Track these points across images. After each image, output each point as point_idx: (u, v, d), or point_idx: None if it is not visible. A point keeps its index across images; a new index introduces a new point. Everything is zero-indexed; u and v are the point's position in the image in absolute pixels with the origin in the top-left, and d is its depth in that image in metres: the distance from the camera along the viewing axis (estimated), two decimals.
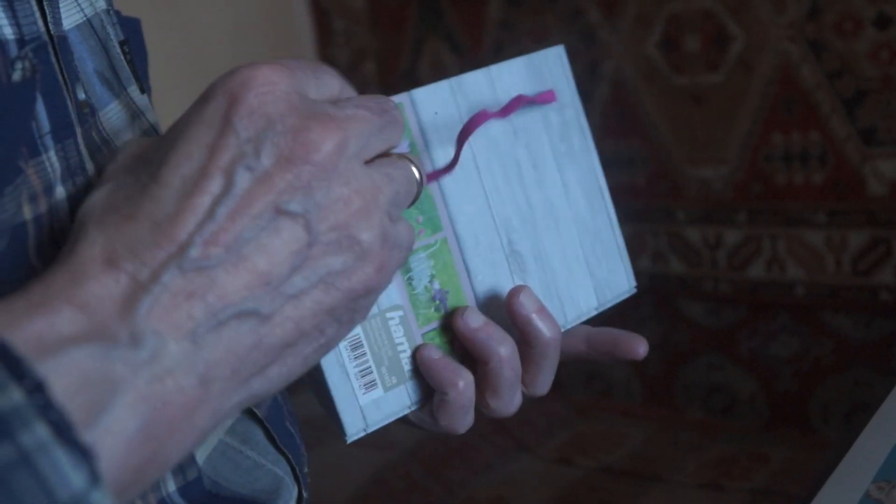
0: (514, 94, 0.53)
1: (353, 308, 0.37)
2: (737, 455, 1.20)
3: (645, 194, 1.43)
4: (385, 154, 0.40)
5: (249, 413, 0.49)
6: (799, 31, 1.24)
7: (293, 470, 0.52)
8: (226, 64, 1.43)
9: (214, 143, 0.35)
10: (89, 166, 0.41)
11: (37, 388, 0.29)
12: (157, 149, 0.37)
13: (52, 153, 0.39)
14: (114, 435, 0.31)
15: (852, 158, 1.23)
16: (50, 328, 0.31)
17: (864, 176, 1.23)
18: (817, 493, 0.54)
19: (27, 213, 0.37)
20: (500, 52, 1.54)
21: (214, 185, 0.34)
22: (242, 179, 0.34)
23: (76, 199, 0.40)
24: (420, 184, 0.42)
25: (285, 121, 0.35)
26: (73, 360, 0.30)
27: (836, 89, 1.23)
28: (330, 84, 0.39)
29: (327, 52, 1.81)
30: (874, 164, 1.22)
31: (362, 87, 1.81)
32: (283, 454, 0.51)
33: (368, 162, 0.38)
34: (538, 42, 1.49)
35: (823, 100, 1.24)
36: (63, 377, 0.30)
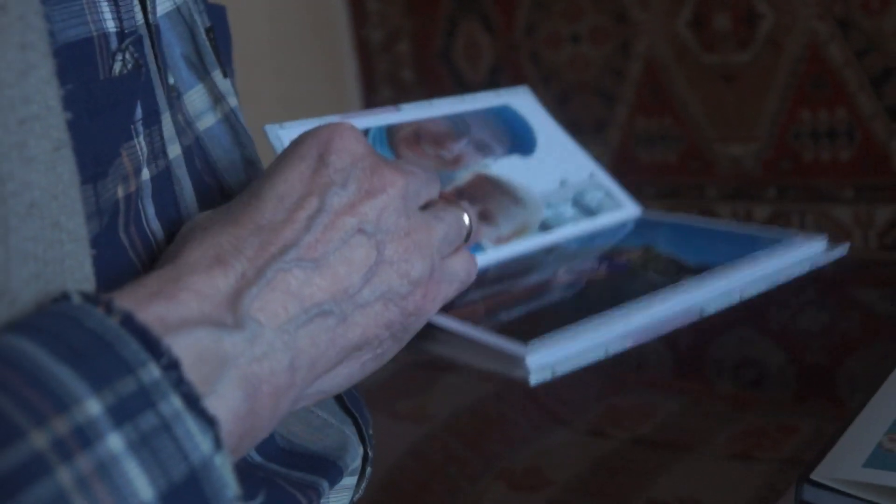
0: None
1: (405, 326, 0.44)
2: (766, 426, 1.21)
3: (676, 171, 1.44)
4: (436, 201, 0.48)
5: None
6: (827, 10, 1.24)
7: (359, 431, 0.56)
8: (263, 47, 1.46)
9: (312, 173, 0.41)
10: (170, 148, 0.46)
11: (171, 366, 0.33)
12: (252, 185, 0.43)
13: (141, 138, 0.44)
14: (224, 405, 0.35)
15: (879, 135, 1.24)
16: (169, 311, 0.35)
17: (891, 152, 1.24)
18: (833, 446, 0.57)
19: (120, 191, 0.42)
20: (532, 31, 1.55)
21: (311, 204, 0.40)
22: (332, 202, 0.41)
23: (157, 181, 0.45)
24: (470, 226, 0.49)
25: (365, 160, 0.42)
26: (191, 339, 0.35)
27: (864, 67, 1.23)
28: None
29: (362, 33, 1.83)
30: None
31: (397, 68, 1.83)
32: (351, 414, 0.56)
33: (422, 208, 0.45)
34: (571, 22, 1.51)
35: (851, 77, 1.25)
36: (184, 353, 0.34)
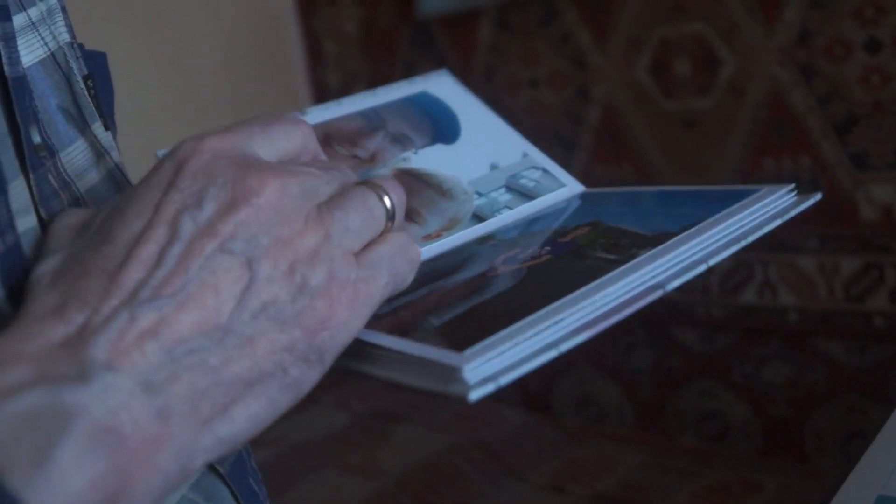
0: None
1: (317, 346, 0.37)
2: (730, 483, 1.19)
3: None
4: (348, 186, 0.41)
5: (213, 470, 0.48)
6: (789, 56, 1.23)
7: None
8: (219, 88, 1.43)
9: (160, 201, 0.36)
10: (22, 220, 0.40)
11: None
12: (105, 216, 0.38)
13: None
14: (69, 470, 0.30)
15: (844, 183, 1.23)
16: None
17: (856, 201, 1.22)
18: None
19: None
20: (490, 76, 1.54)
21: (160, 235, 0.36)
22: (187, 228, 0.36)
23: (5, 260, 0.39)
24: (392, 207, 0.42)
25: (226, 173, 0.37)
26: (17, 406, 0.30)
27: (827, 114, 1.22)
28: (282, 145, 0.41)
29: (318, 75, 1.81)
30: (866, 188, 1.21)
31: None
32: None
33: (322, 202, 0.39)
34: (529, 66, 1.49)
35: (814, 124, 1.24)
36: (11, 422, 0.29)
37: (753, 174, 1.30)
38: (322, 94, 1.83)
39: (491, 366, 0.37)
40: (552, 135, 1.48)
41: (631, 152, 1.40)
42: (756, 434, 1.37)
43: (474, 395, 0.35)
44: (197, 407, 0.34)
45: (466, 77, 1.56)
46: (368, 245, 0.40)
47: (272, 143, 0.40)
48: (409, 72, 1.66)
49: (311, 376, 0.37)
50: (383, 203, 0.42)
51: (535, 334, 0.39)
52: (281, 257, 0.36)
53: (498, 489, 1.22)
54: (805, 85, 1.23)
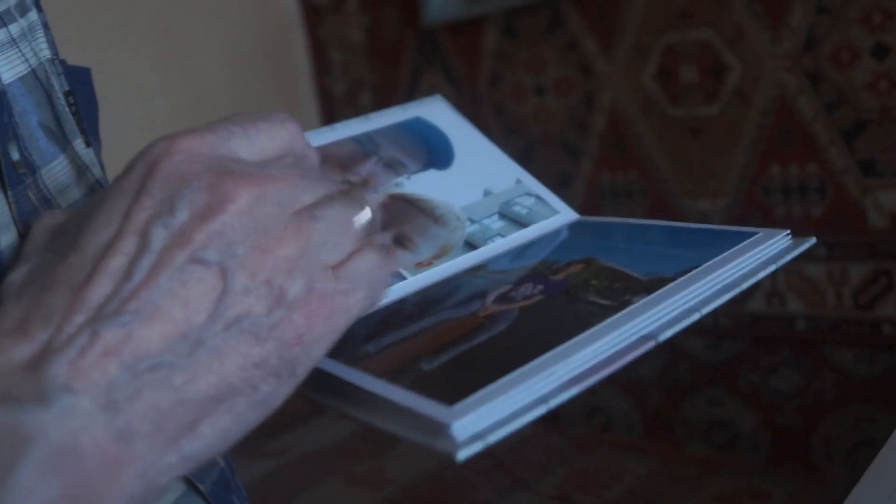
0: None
1: (290, 361, 0.36)
2: (738, 491, 1.19)
3: None
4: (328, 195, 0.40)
5: (195, 490, 0.47)
6: (796, 62, 1.23)
7: None
8: (225, 95, 1.43)
9: (130, 208, 0.34)
10: (2, 238, 0.39)
11: None
12: (76, 221, 0.36)
13: None
14: (25, 493, 0.29)
15: (852, 190, 1.22)
16: None
17: (864, 208, 1.22)
18: None
19: None
20: (496, 83, 1.54)
21: (129, 246, 0.34)
22: (158, 237, 0.34)
23: None
24: (372, 219, 0.41)
25: (201, 178, 0.35)
26: None
27: (835, 120, 1.22)
28: (262, 143, 0.39)
29: (324, 83, 1.81)
30: (874, 195, 1.21)
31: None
32: None
33: (300, 209, 0.38)
34: (534, 73, 1.49)
35: (821, 131, 1.23)
36: None
37: (760, 181, 1.29)
38: (328, 102, 1.82)
39: (480, 422, 0.36)
40: (558, 142, 1.48)
41: (637, 159, 1.40)
42: (764, 443, 1.36)
43: (462, 455, 0.34)
44: (160, 426, 0.33)
45: (472, 84, 1.55)
46: (347, 258, 0.39)
47: (253, 144, 0.39)
48: (414, 79, 1.66)
49: (281, 391, 0.36)
50: (364, 215, 0.41)
51: (526, 388, 0.37)
52: (258, 267, 0.35)
53: (504, 499, 1.22)
54: (812, 91, 1.22)
